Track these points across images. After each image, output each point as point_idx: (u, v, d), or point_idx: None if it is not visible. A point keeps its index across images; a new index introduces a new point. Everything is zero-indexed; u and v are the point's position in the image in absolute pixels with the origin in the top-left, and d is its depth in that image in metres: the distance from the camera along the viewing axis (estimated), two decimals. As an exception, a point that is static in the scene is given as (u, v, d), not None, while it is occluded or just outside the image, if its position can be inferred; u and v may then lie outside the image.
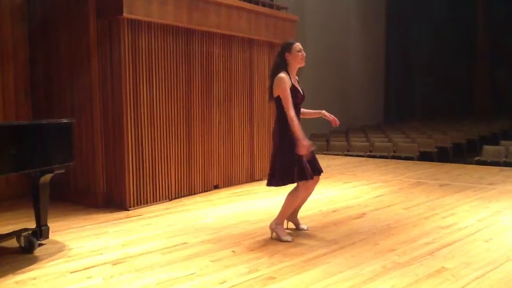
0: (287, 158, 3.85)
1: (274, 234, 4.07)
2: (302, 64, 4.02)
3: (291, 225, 4.34)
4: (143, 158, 5.28)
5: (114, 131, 5.22)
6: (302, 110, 4.15)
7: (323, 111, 4.22)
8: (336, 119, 4.17)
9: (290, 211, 4.09)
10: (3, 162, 3.23)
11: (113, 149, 5.25)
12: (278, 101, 3.91)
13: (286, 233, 4.06)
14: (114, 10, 5.01)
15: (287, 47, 3.98)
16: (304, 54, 4.01)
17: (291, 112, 3.80)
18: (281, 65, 3.96)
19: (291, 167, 3.84)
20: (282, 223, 4.09)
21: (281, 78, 3.85)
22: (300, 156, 3.80)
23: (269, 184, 4.00)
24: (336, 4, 14.86)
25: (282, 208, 4.04)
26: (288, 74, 3.93)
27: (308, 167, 3.88)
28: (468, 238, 4.02)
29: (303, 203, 4.27)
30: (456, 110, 19.51)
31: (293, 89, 3.89)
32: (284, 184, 3.94)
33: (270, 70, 4.15)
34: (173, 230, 4.35)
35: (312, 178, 3.93)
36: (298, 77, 4.14)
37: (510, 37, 18.89)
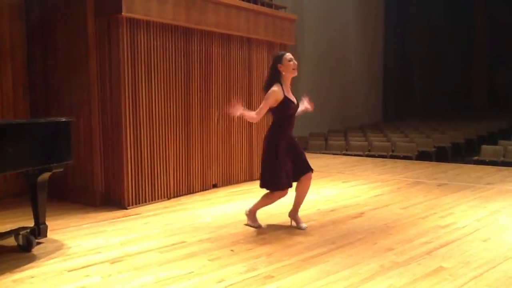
0: (268, 165, 4.11)
1: (293, 222, 4.37)
2: (294, 74, 4.15)
3: (294, 223, 4.40)
4: (142, 156, 5.28)
5: (112, 129, 5.22)
6: None
7: (305, 105, 4.36)
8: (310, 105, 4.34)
9: (261, 207, 4.38)
10: (1, 161, 3.23)
11: (112, 147, 5.24)
12: (272, 111, 4.11)
13: (255, 219, 4.39)
14: (113, 8, 5.00)
15: (278, 58, 4.11)
16: (296, 62, 4.12)
17: (257, 117, 4.09)
18: (275, 77, 4.09)
19: (271, 174, 4.10)
20: (253, 213, 4.40)
21: (271, 91, 4.03)
22: (279, 166, 4.04)
23: (260, 185, 4.26)
24: (334, 4, 14.85)
25: (257, 202, 4.35)
26: (281, 86, 4.05)
27: (284, 176, 4.07)
28: (466, 237, 4.02)
29: (301, 200, 4.35)
30: (454, 110, 19.52)
31: (286, 101, 4.04)
32: (267, 188, 4.21)
33: (264, 82, 4.28)
34: (171, 229, 4.35)
35: (284, 189, 4.13)
36: (296, 77, 4.22)
37: (508, 36, 18.92)
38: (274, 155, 4.08)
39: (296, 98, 4.20)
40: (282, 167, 4.07)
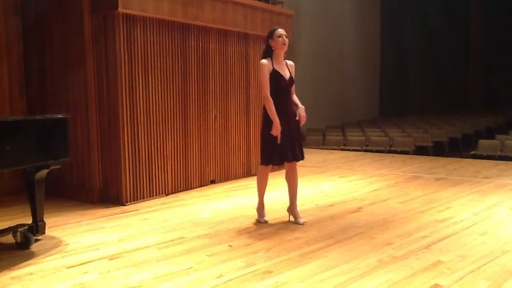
0: (262, 139, 4.25)
1: (291, 217, 4.38)
2: (284, 49, 4.23)
3: (292, 218, 4.40)
4: (139, 153, 5.27)
5: (110, 126, 5.21)
6: (294, 97, 4.34)
7: (301, 109, 4.25)
8: (303, 119, 4.24)
9: (261, 190, 4.41)
10: (-2, 158, 3.22)
11: (109, 144, 5.23)
12: None
13: (263, 214, 4.40)
14: (109, 5, 4.98)
15: (270, 33, 4.27)
16: (286, 39, 4.21)
17: (265, 94, 4.12)
18: (267, 51, 4.24)
19: (264, 148, 4.23)
20: (260, 203, 4.43)
21: (259, 64, 4.19)
22: (271, 140, 4.09)
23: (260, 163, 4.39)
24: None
25: (257, 192, 4.44)
26: (272, 60, 4.18)
27: (274, 153, 4.16)
28: (464, 231, 4.04)
29: (294, 192, 4.35)
30: (451, 105, 19.56)
31: (275, 73, 4.14)
32: (262, 163, 4.32)
33: None
34: (169, 225, 4.35)
35: (267, 164, 4.27)
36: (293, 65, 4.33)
37: (504, 34, 18.94)
38: (268, 129, 4.09)
39: (290, 74, 4.24)
40: (272, 143, 4.10)
